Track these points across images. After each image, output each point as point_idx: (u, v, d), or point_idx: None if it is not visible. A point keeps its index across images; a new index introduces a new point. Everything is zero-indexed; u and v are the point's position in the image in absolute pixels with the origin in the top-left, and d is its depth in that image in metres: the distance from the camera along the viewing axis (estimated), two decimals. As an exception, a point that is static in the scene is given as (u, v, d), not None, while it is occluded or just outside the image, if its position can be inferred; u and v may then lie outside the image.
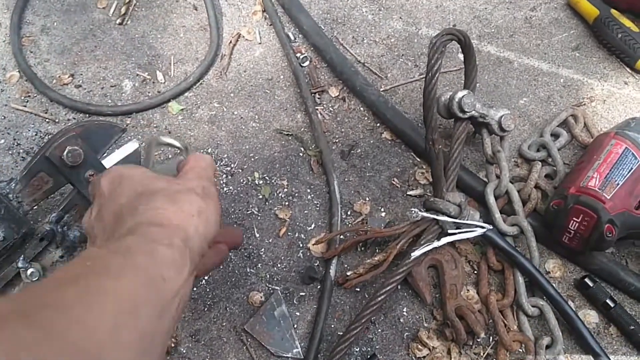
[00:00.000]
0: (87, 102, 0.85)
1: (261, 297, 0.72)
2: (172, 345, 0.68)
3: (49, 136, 0.81)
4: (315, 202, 0.79)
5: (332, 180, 0.78)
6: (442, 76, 0.89)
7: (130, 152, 0.73)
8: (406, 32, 0.94)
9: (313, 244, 0.75)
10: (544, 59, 0.92)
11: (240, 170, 0.81)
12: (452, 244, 0.72)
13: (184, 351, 0.69)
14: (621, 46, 0.89)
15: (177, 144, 0.58)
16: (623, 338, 0.71)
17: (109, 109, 0.83)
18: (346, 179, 0.81)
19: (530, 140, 0.83)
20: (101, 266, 0.36)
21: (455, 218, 0.69)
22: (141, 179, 0.46)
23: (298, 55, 0.89)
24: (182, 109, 0.85)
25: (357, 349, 0.70)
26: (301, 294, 0.73)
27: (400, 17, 0.95)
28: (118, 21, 0.92)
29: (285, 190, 0.80)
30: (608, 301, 0.70)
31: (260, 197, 0.79)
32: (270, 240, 0.76)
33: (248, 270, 0.74)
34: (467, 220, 0.69)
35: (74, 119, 0.84)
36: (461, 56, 0.87)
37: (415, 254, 0.67)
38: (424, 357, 0.69)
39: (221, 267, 0.74)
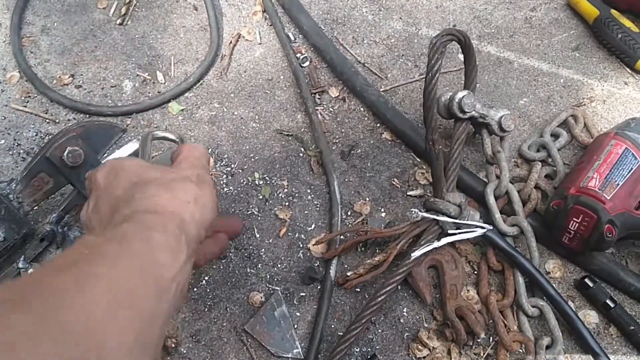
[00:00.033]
0: (88, 102, 0.85)
1: (261, 298, 0.72)
2: (173, 345, 0.68)
3: (49, 136, 0.81)
4: (316, 202, 0.79)
5: (332, 181, 0.78)
6: (442, 76, 0.89)
7: (130, 152, 0.73)
8: (406, 33, 0.94)
9: (313, 245, 0.75)
10: (544, 59, 0.92)
11: (240, 171, 0.81)
12: (452, 244, 0.72)
13: (185, 351, 0.69)
14: (621, 46, 0.89)
15: (172, 136, 0.59)
16: (623, 338, 0.71)
17: (109, 110, 0.83)
18: (346, 180, 0.81)
19: (530, 141, 0.83)
20: (96, 253, 0.36)
21: (456, 218, 0.69)
22: (136, 169, 0.47)
23: (298, 55, 0.89)
24: (182, 110, 0.85)
25: (358, 349, 0.70)
26: (301, 294, 0.73)
27: (401, 18, 0.95)
28: (118, 21, 0.92)
29: (286, 190, 0.80)
30: (608, 301, 0.70)
31: (261, 197, 0.79)
32: (270, 241, 0.76)
33: (248, 270, 0.74)
34: (467, 220, 0.70)
35: (74, 119, 0.84)
36: (461, 56, 0.87)
37: (416, 254, 0.68)
38: (424, 357, 0.69)
39: (221, 267, 0.74)
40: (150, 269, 0.37)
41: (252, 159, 0.82)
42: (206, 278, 0.73)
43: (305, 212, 0.78)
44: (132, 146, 0.75)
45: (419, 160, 0.82)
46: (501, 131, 0.76)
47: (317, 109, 0.85)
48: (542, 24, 0.95)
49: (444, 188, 0.71)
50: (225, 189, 0.79)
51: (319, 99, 0.87)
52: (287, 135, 0.84)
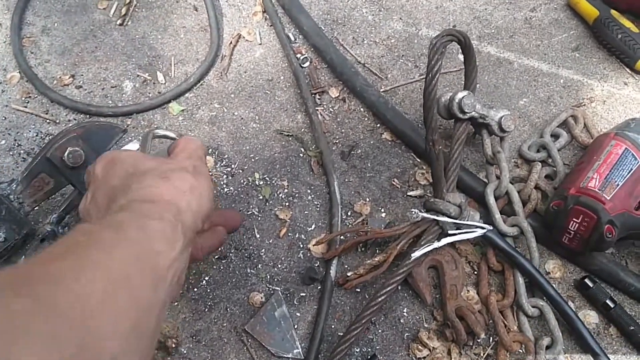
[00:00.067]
0: (88, 102, 0.85)
1: (262, 298, 0.72)
2: (173, 345, 0.68)
3: (50, 137, 0.82)
4: (316, 202, 0.79)
5: (332, 181, 0.78)
6: (442, 77, 0.89)
7: (131, 152, 0.73)
8: (406, 33, 0.94)
9: (313, 245, 0.75)
10: (544, 59, 0.92)
11: (240, 171, 0.81)
12: (452, 244, 0.72)
13: (185, 352, 0.69)
14: (621, 47, 0.89)
15: (172, 135, 0.59)
16: (623, 338, 0.71)
17: (110, 110, 0.84)
18: (346, 180, 0.81)
19: (530, 141, 0.83)
20: (93, 240, 0.36)
21: (456, 219, 0.69)
22: (133, 160, 0.47)
23: (298, 56, 0.89)
24: (182, 110, 0.86)
25: (358, 350, 0.70)
26: (301, 294, 0.73)
27: (401, 18, 0.95)
28: (118, 22, 0.92)
29: (286, 190, 0.80)
30: (608, 302, 0.70)
31: (261, 197, 0.79)
32: (270, 241, 0.76)
33: (248, 271, 0.74)
34: (467, 221, 0.70)
35: (75, 119, 0.84)
36: (461, 57, 0.87)
37: (416, 254, 0.68)
38: (424, 357, 0.69)
39: (222, 267, 0.74)
40: (146, 257, 0.37)
41: (253, 160, 0.82)
42: (206, 278, 0.73)
43: (306, 212, 0.78)
44: (133, 146, 0.75)
45: (419, 160, 0.82)
46: (501, 131, 0.76)
47: (317, 110, 0.85)
48: (542, 25, 0.95)
49: (444, 188, 0.71)
50: (226, 189, 0.79)
51: (319, 99, 0.87)
52: (288, 135, 0.84)
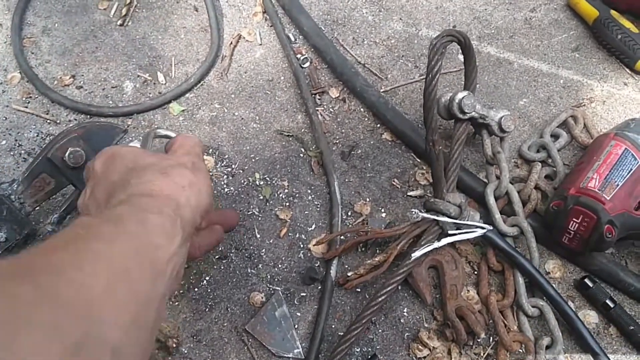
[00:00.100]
0: (88, 103, 0.85)
1: (262, 298, 0.72)
2: (174, 345, 0.68)
3: (51, 137, 0.82)
4: (316, 202, 0.79)
5: (332, 181, 0.79)
6: (442, 77, 0.89)
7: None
8: (406, 33, 0.94)
9: (314, 245, 0.76)
10: (544, 59, 0.92)
11: (241, 171, 0.81)
12: (452, 244, 0.72)
13: (186, 351, 0.69)
14: (621, 47, 0.89)
15: (173, 135, 0.60)
16: (623, 338, 0.71)
17: (110, 110, 0.84)
18: (346, 180, 0.81)
19: (530, 141, 0.83)
20: (93, 232, 0.37)
21: (456, 219, 0.69)
22: (132, 155, 0.47)
23: (298, 56, 0.89)
24: (183, 110, 0.86)
25: (358, 349, 0.70)
26: (302, 294, 0.73)
27: (401, 18, 0.95)
28: (119, 22, 0.93)
29: (286, 191, 0.80)
30: (608, 302, 0.70)
31: (261, 197, 0.79)
32: (271, 241, 0.76)
33: (249, 270, 0.74)
34: (467, 221, 0.70)
35: (75, 120, 0.84)
36: (461, 57, 0.87)
37: (416, 254, 0.68)
38: (425, 357, 0.69)
39: (222, 267, 0.74)
40: (145, 251, 0.38)
41: (253, 160, 0.82)
42: (207, 278, 0.73)
43: (306, 212, 0.78)
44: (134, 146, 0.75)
45: (419, 160, 0.82)
46: (501, 132, 0.76)
47: (318, 110, 0.85)
48: (542, 25, 0.95)
49: (444, 188, 0.71)
50: (226, 190, 0.79)
51: (319, 99, 0.87)
52: (288, 135, 0.84)
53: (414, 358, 0.70)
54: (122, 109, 0.84)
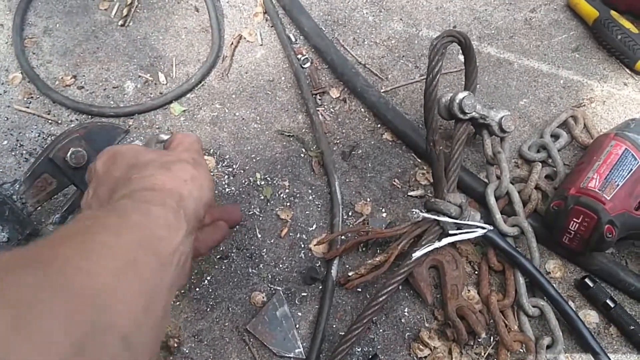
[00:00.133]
0: (90, 103, 0.85)
1: (263, 298, 0.72)
2: (175, 345, 0.68)
3: (52, 137, 0.82)
4: (317, 202, 0.79)
5: (333, 181, 0.79)
6: (442, 77, 0.89)
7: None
8: (407, 34, 0.94)
9: (315, 245, 0.76)
10: (544, 60, 0.92)
11: (242, 171, 0.81)
12: (453, 244, 0.73)
13: (187, 351, 0.69)
14: (621, 47, 0.89)
15: None
16: (623, 338, 0.71)
17: (112, 110, 0.84)
18: (347, 180, 0.81)
19: (530, 141, 0.83)
20: (98, 224, 0.37)
21: (456, 219, 0.69)
22: (133, 152, 0.48)
23: (299, 56, 0.90)
24: (184, 110, 0.86)
25: (359, 349, 0.70)
26: (303, 294, 0.73)
27: (401, 19, 0.95)
28: (120, 23, 0.93)
29: (287, 191, 0.80)
30: (608, 301, 0.71)
31: (262, 197, 0.79)
32: (272, 241, 0.76)
33: (250, 270, 0.74)
34: (468, 221, 0.70)
35: (77, 120, 0.84)
36: (461, 57, 0.88)
37: (417, 254, 0.68)
38: (425, 357, 0.69)
39: (223, 267, 0.74)
40: (149, 241, 0.38)
41: (254, 160, 0.82)
42: (208, 278, 0.73)
43: (307, 212, 0.79)
44: None
45: (419, 160, 0.83)
46: (501, 132, 0.76)
47: (318, 110, 0.86)
48: (542, 25, 0.96)
49: (445, 188, 0.71)
50: (227, 190, 0.80)
51: (319, 99, 0.87)
52: (289, 136, 0.84)
53: (414, 358, 0.70)
54: (123, 109, 0.84)
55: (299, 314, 0.72)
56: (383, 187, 0.81)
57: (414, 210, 0.69)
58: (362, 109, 0.87)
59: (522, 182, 0.78)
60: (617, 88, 0.89)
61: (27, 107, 0.85)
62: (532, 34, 0.95)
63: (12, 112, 0.84)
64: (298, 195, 0.80)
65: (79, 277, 0.31)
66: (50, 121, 0.84)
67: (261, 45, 0.92)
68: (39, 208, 0.69)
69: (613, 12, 0.91)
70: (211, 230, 0.54)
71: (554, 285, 0.70)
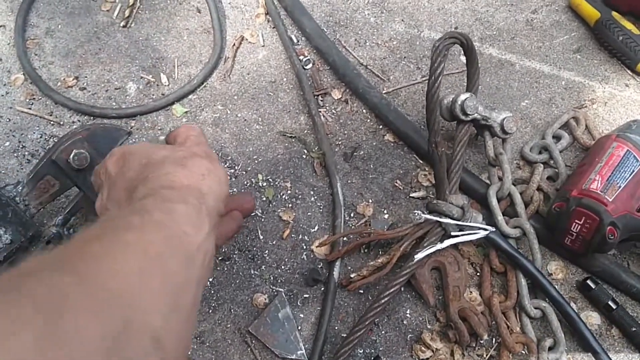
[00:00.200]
0: (92, 104, 0.85)
1: (265, 299, 0.73)
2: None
3: (54, 138, 0.82)
4: (319, 204, 0.79)
5: (335, 182, 0.79)
6: (444, 79, 0.89)
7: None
8: (408, 35, 0.94)
9: (317, 246, 0.76)
10: (546, 61, 0.92)
11: (244, 172, 0.81)
12: (455, 246, 0.73)
13: (189, 353, 0.69)
14: (622, 48, 0.89)
15: None
16: (625, 340, 0.71)
17: (114, 112, 0.84)
18: (349, 181, 0.81)
19: (532, 143, 0.83)
20: (122, 224, 0.37)
21: (458, 220, 0.69)
22: (144, 151, 0.47)
23: (301, 57, 0.90)
24: (186, 112, 0.86)
25: (361, 351, 0.70)
26: (305, 296, 0.73)
27: (403, 20, 0.95)
28: (122, 24, 0.93)
29: (289, 192, 0.80)
30: (610, 303, 0.71)
31: (264, 199, 0.79)
32: (274, 242, 0.77)
33: (252, 272, 0.74)
34: (470, 222, 0.70)
35: (79, 121, 0.84)
36: (463, 58, 0.88)
37: (419, 256, 0.68)
38: (428, 359, 0.69)
39: (225, 269, 0.74)
40: (174, 239, 0.38)
41: (256, 161, 0.82)
42: (210, 279, 0.73)
43: (309, 213, 0.79)
44: None
45: (421, 162, 0.83)
46: (503, 133, 0.76)
47: (320, 111, 0.86)
48: (544, 26, 0.96)
49: (447, 190, 0.71)
50: (230, 191, 0.79)
51: (321, 101, 0.87)
52: (291, 137, 0.84)
53: (416, 359, 0.70)
54: (125, 110, 0.84)
55: (301, 315, 0.72)
56: (385, 189, 0.81)
57: (416, 211, 0.69)
58: (364, 110, 0.87)
59: (524, 184, 0.78)
60: (618, 89, 0.90)
61: (30, 109, 0.85)
62: (533, 35, 0.95)
63: (15, 113, 0.84)
64: (300, 196, 0.80)
65: (107, 278, 0.31)
66: (52, 122, 0.84)
67: (263, 46, 0.92)
68: (42, 210, 0.69)
69: (614, 13, 0.91)
70: (227, 220, 0.53)
71: (556, 286, 0.70)
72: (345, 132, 0.85)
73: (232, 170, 0.81)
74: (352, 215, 0.79)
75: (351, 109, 0.87)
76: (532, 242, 0.73)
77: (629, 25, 0.89)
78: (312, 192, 0.80)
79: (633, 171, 0.70)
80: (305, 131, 0.85)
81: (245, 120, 0.86)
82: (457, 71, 0.90)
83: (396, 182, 0.81)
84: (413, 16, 0.96)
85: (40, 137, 0.82)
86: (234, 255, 0.75)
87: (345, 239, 0.76)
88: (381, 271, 0.70)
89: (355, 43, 0.93)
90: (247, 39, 0.93)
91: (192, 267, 0.38)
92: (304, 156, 0.83)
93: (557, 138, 0.84)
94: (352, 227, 0.78)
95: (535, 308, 0.71)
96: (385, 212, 0.79)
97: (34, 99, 0.86)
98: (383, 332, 0.71)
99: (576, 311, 0.69)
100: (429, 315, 0.72)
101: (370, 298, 0.73)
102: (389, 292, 0.67)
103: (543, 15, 0.97)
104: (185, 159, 0.46)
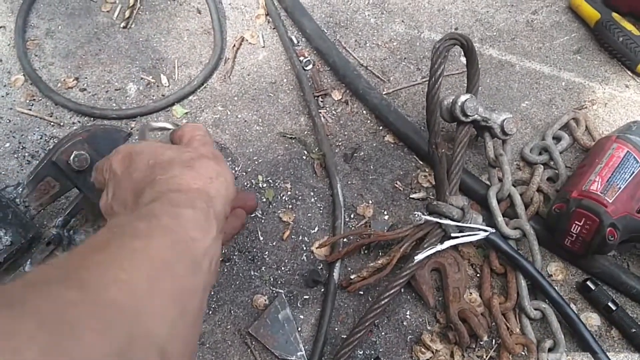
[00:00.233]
0: (92, 105, 0.85)
1: (265, 301, 0.73)
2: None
3: (54, 140, 0.82)
4: (319, 205, 0.80)
5: (335, 183, 0.79)
6: (444, 80, 0.89)
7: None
8: (408, 36, 0.94)
9: (317, 247, 0.76)
10: (546, 62, 0.92)
11: (244, 173, 0.81)
12: (455, 247, 0.73)
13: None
14: (622, 49, 0.89)
15: (169, 125, 0.59)
16: (625, 341, 0.71)
17: (114, 113, 0.84)
18: (349, 182, 0.81)
19: (532, 144, 0.83)
20: (129, 231, 0.36)
21: (458, 221, 0.69)
22: (151, 151, 0.47)
23: (301, 58, 0.90)
24: (186, 113, 0.86)
25: (361, 352, 0.70)
26: (305, 297, 0.73)
27: (403, 21, 0.95)
28: (122, 25, 0.93)
29: (289, 193, 0.80)
30: (610, 304, 0.71)
31: (264, 200, 0.79)
32: (274, 243, 0.77)
33: (252, 273, 0.74)
34: (470, 223, 0.70)
35: (79, 122, 0.84)
36: (463, 59, 0.88)
37: (419, 257, 0.68)
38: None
39: (225, 270, 0.74)
40: (181, 245, 0.37)
41: (256, 162, 0.82)
42: (210, 281, 0.73)
43: (309, 214, 0.79)
44: None
45: (421, 163, 0.83)
46: (503, 134, 0.76)
47: (320, 112, 0.86)
48: (544, 27, 0.96)
49: (447, 191, 0.71)
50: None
51: (321, 102, 0.87)
52: (291, 138, 0.84)
53: (416, 360, 0.70)
54: (125, 111, 0.84)
55: (301, 316, 0.72)
56: (385, 190, 0.81)
57: (416, 212, 0.69)
58: (364, 111, 0.87)
59: (524, 185, 0.78)
60: (618, 90, 0.90)
61: (30, 110, 0.85)
62: (533, 36, 0.95)
63: (15, 114, 0.84)
64: (300, 197, 0.80)
65: (114, 288, 0.31)
66: (52, 123, 0.84)
67: (263, 47, 0.92)
68: (42, 211, 0.69)
69: (615, 14, 0.91)
70: (231, 219, 0.53)
71: (556, 288, 0.70)
72: (346, 133, 0.85)
73: (232, 171, 0.81)
74: (352, 216, 0.79)
75: (351, 110, 0.87)
76: (532, 243, 0.73)
77: (629, 26, 0.89)
78: (312, 193, 0.80)
79: (633, 172, 0.70)
80: (306, 132, 0.85)
81: (245, 121, 0.86)
82: (457, 72, 0.90)
83: (396, 183, 0.81)
84: (413, 17, 0.96)
85: (41, 138, 0.82)
86: (234, 257, 0.75)
87: (345, 240, 0.76)
88: (381, 272, 0.70)
89: (355, 44, 0.93)
90: (247, 40, 0.93)
91: (199, 273, 0.37)
92: (304, 157, 0.83)
93: (557, 139, 0.84)
94: (352, 228, 0.78)
95: (535, 309, 0.71)
96: (385, 213, 0.79)
97: (34, 100, 0.86)
98: (383, 333, 0.71)
99: (576, 312, 0.69)
100: (429, 317, 0.73)
101: (370, 299, 0.73)
102: (389, 293, 0.67)
103: (543, 16, 0.97)
104: (193, 160, 0.45)
